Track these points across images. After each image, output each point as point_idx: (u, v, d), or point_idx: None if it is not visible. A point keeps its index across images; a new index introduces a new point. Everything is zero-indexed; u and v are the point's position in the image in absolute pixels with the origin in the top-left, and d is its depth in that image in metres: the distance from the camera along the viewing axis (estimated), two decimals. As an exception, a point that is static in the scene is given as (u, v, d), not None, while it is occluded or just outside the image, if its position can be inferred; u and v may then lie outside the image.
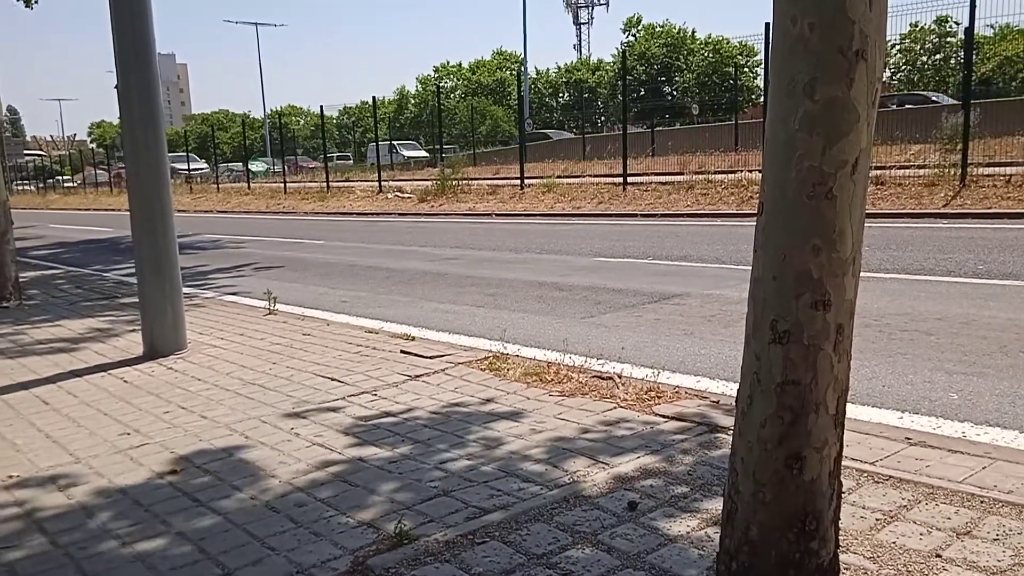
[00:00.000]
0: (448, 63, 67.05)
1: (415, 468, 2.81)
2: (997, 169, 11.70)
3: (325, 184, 25.18)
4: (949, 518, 2.23)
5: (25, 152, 66.05)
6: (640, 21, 60.86)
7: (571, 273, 7.78)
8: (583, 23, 77.52)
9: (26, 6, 12.32)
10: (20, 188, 55.99)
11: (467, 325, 5.58)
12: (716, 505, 2.35)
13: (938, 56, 41.03)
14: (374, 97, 26.48)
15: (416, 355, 4.47)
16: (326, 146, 29.55)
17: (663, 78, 56.42)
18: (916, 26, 39.29)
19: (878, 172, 12.52)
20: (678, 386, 3.67)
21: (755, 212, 1.79)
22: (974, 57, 13.30)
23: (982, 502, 2.31)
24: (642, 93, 50.80)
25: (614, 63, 57.62)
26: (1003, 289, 5.70)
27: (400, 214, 18.42)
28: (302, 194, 25.13)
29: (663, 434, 3.02)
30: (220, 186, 33.42)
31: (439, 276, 8.16)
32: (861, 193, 1.69)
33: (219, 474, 2.85)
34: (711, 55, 55.70)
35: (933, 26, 39.22)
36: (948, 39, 39.22)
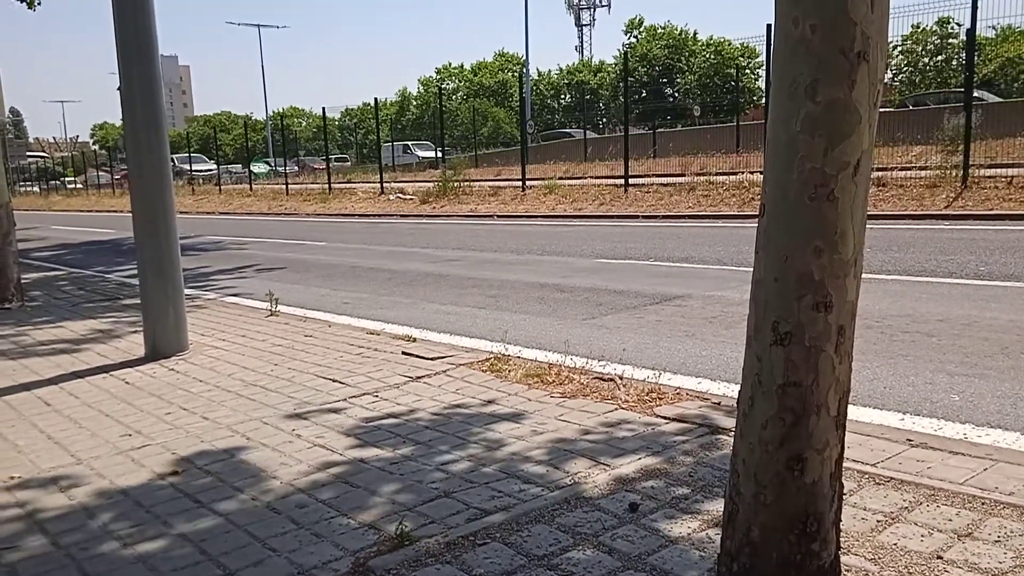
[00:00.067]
0: (450, 64, 67.12)
1: (416, 469, 2.81)
2: (999, 170, 11.69)
3: (327, 185, 25.20)
4: (950, 520, 2.23)
5: (28, 154, 66.09)
6: (642, 23, 60.88)
7: (572, 275, 7.79)
8: (585, 24, 77.57)
9: (28, 7, 12.33)
10: (24, 189, 56.03)
11: (468, 326, 5.58)
12: (717, 506, 2.35)
13: (940, 57, 41.00)
14: (376, 99, 26.50)
15: (417, 356, 4.47)
16: (328, 148, 29.57)
17: (665, 80, 56.40)
18: (918, 27, 39.28)
19: (880, 173, 12.52)
20: (679, 387, 3.67)
21: (756, 214, 1.79)
22: (976, 58, 13.29)
23: (983, 504, 2.31)
24: (644, 95, 50.83)
25: (616, 65, 57.62)
26: (1005, 291, 5.70)
27: (402, 215, 18.43)
28: (304, 195, 25.15)
29: (664, 435, 3.02)
30: (222, 187, 33.45)
31: (441, 277, 8.16)
32: (863, 195, 1.69)
33: (220, 475, 2.85)
34: (713, 57, 55.69)
35: (935, 27, 39.20)
36: (950, 40, 39.19)
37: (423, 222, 16.64)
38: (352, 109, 63.28)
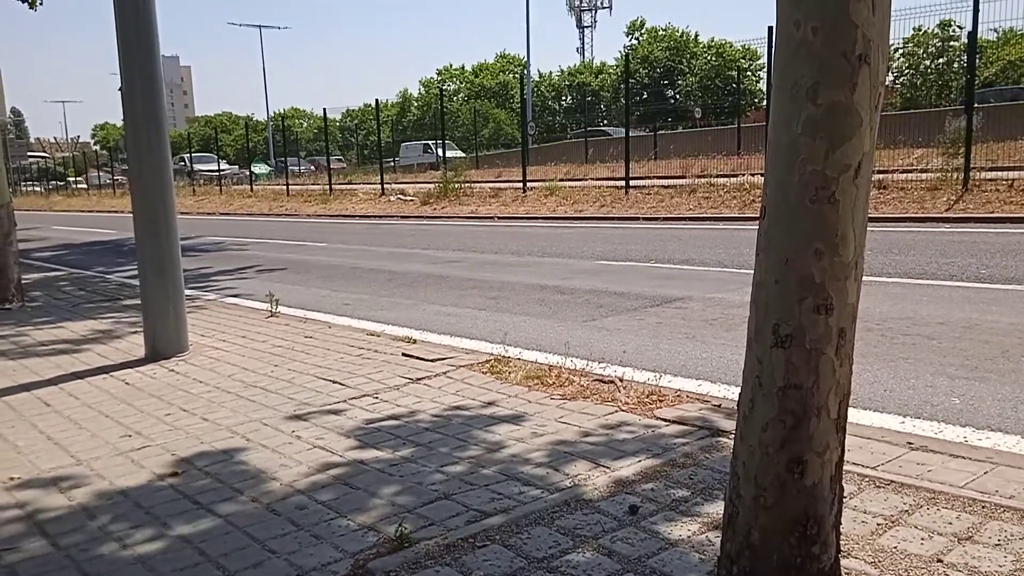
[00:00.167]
0: (451, 66, 67.15)
1: (416, 471, 2.80)
2: (1000, 173, 11.70)
3: (328, 187, 25.22)
4: (950, 523, 2.22)
5: (29, 154, 66.17)
6: (643, 24, 60.92)
7: (573, 276, 7.78)
8: (586, 26, 77.69)
9: (29, 7, 12.34)
10: (28, 189, 56.03)
11: (469, 328, 5.58)
12: (717, 509, 2.34)
13: (941, 60, 41.01)
14: (377, 100, 26.52)
15: (418, 358, 4.47)
16: (328, 149, 29.59)
17: (666, 81, 56.44)
18: (919, 30, 39.31)
19: (881, 176, 12.52)
20: (680, 390, 3.66)
21: (757, 216, 1.79)
22: (977, 61, 13.29)
23: (984, 507, 2.30)
24: (645, 96, 50.85)
25: (617, 66, 57.62)
26: (1005, 294, 5.70)
27: (402, 217, 18.44)
28: (304, 196, 25.18)
29: (664, 438, 3.02)
30: (223, 188, 33.47)
31: (441, 279, 8.16)
32: (864, 197, 1.69)
33: (220, 476, 2.85)
34: (714, 58, 55.72)
35: (936, 30, 39.22)
36: (951, 43, 39.21)
37: (424, 223, 16.64)
38: (353, 110, 63.33)
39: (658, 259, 8.65)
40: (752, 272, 1.79)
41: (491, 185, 20.19)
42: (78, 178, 50.98)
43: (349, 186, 25.86)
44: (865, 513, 2.31)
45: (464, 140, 45.43)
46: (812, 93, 1.62)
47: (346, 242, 13.23)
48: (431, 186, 20.76)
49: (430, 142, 38.35)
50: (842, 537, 1.92)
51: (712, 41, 56.87)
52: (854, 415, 2.99)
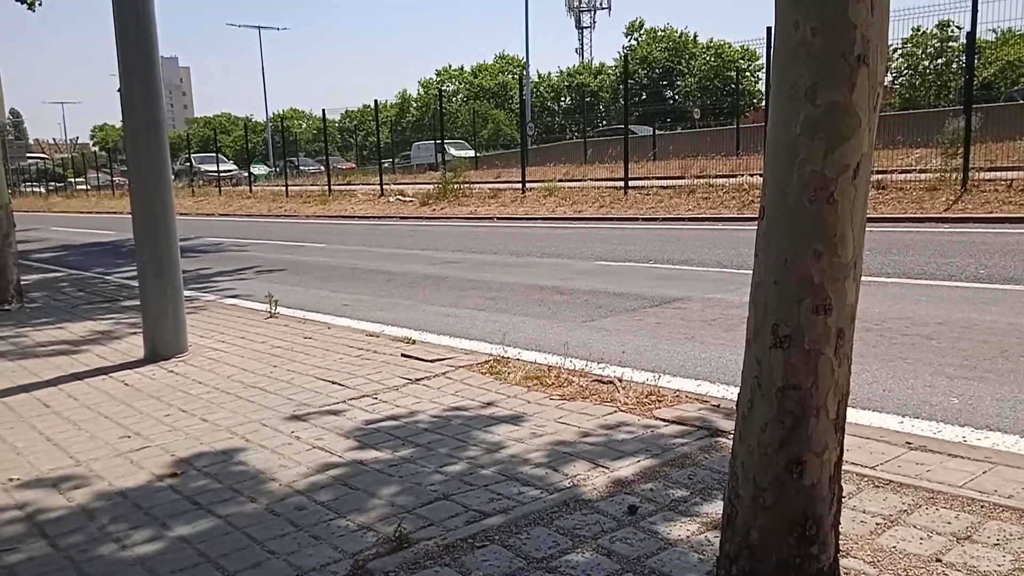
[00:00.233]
0: (450, 66, 67.10)
1: (415, 472, 2.80)
2: (999, 173, 11.71)
3: (327, 187, 25.21)
4: (949, 523, 2.23)
5: (27, 155, 66.15)
6: (642, 25, 60.91)
7: (572, 277, 7.79)
8: (585, 27, 77.61)
9: (28, 8, 12.34)
10: (29, 190, 55.94)
11: (468, 329, 5.58)
12: (716, 509, 2.35)
13: (940, 61, 41.02)
14: (376, 101, 26.52)
15: (417, 359, 4.47)
16: (328, 149, 29.57)
17: (665, 82, 56.45)
18: (918, 31, 39.31)
19: (879, 176, 12.52)
20: (679, 390, 3.67)
21: (756, 216, 1.79)
22: (976, 62, 13.30)
23: (982, 507, 2.31)
24: (644, 97, 50.84)
25: (616, 67, 57.62)
26: (1004, 294, 5.70)
27: (401, 218, 18.43)
28: (303, 197, 25.17)
29: (663, 438, 3.02)
30: (222, 189, 33.46)
31: (440, 280, 8.16)
32: (862, 197, 1.69)
33: (219, 477, 2.85)
34: (713, 59, 55.70)
35: (935, 31, 39.22)
36: (950, 44, 39.22)
37: (423, 224, 16.64)
38: (352, 111, 63.30)
39: (657, 259, 8.65)
40: (751, 272, 1.80)
41: (490, 186, 20.20)
42: (79, 179, 50.82)
43: (348, 187, 25.84)
44: (864, 513, 2.31)
45: (463, 140, 45.29)
46: (811, 94, 1.62)
47: (345, 243, 13.22)
48: (430, 187, 20.76)
49: (445, 142, 37.77)
50: (841, 537, 1.92)
51: (711, 42, 56.88)
52: (853, 415, 3.00)
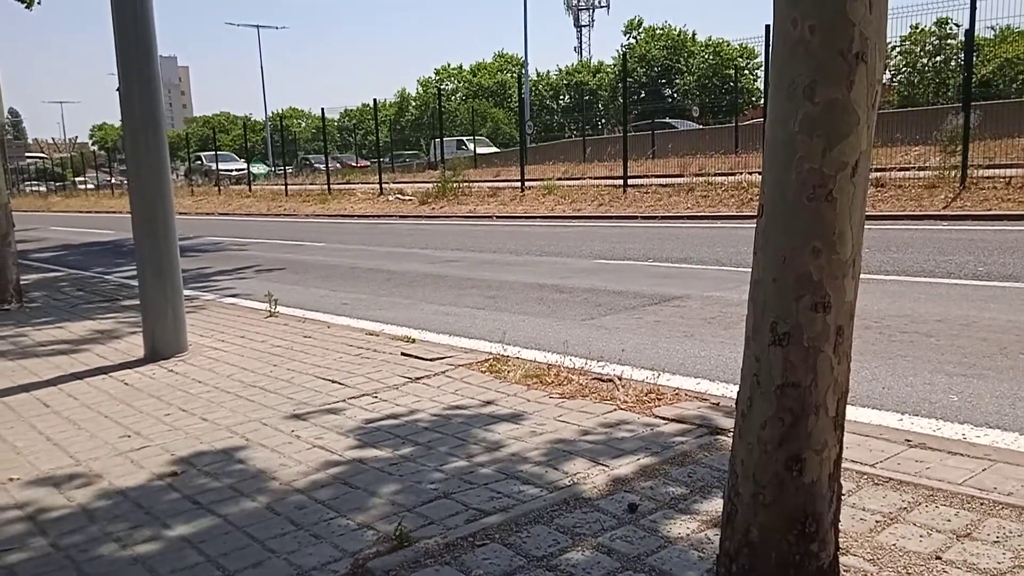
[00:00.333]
0: (449, 65, 67.09)
1: (415, 470, 2.81)
2: (997, 171, 11.71)
3: (326, 187, 25.20)
4: (949, 520, 2.23)
5: (27, 155, 66.14)
6: (641, 24, 60.91)
7: (571, 275, 7.79)
8: (584, 25, 77.49)
9: (26, 7, 12.31)
10: (31, 189, 55.82)
11: (468, 327, 5.58)
12: (716, 507, 2.35)
13: (938, 58, 41.02)
14: (375, 100, 26.51)
15: (417, 357, 4.47)
16: (327, 149, 29.56)
17: (663, 80, 56.44)
18: (916, 28, 39.29)
19: (878, 174, 12.53)
20: (678, 388, 3.67)
21: (755, 214, 1.79)
22: (974, 59, 13.31)
23: (982, 504, 2.31)
24: (643, 95, 50.80)
25: (615, 65, 57.62)
26: (1003, 291, 5.70)
27: (401, 216, 18.43)
28: (303, 196, 25.15)
29: (663, 436, 3.03)
30: (221, 188, 33.44)
31: (440, 278, 8.16)
32: (861, 195, 1.69)
33: (219, 476, 2.85)
34: (711, 57, 55.71)
35: (933, 28, 39.22)
36: (948, 41, 39.21)
37: (422, 223, 16.64)
38: (351, 110, 63.29)
39: (656, 258, 8.65)
40: (750, 270, 1.80)
41: (489, 184, 20.19)
42: (79, 178, 50.66)
43: (348, 186, 25.83)
44: (864, 510, 2.32)
45: (484, 137, 44.99)
46: (809, 91, 1.62)
47: (344, 242, 13.22)
48: (429, 186, 20.76)
49: (464, 138, 37.00)
50: (841, 534, 1.92)
51: (709, 40, 56.88)
52: (852, 413, 3.00)
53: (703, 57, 56.17)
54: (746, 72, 49.42)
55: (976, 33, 12.20)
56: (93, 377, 4.45)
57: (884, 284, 6.19)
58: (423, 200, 19.84)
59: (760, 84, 39.04)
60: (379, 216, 19.00)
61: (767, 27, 12.40)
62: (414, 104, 64.59)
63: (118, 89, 4.77)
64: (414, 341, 4.94)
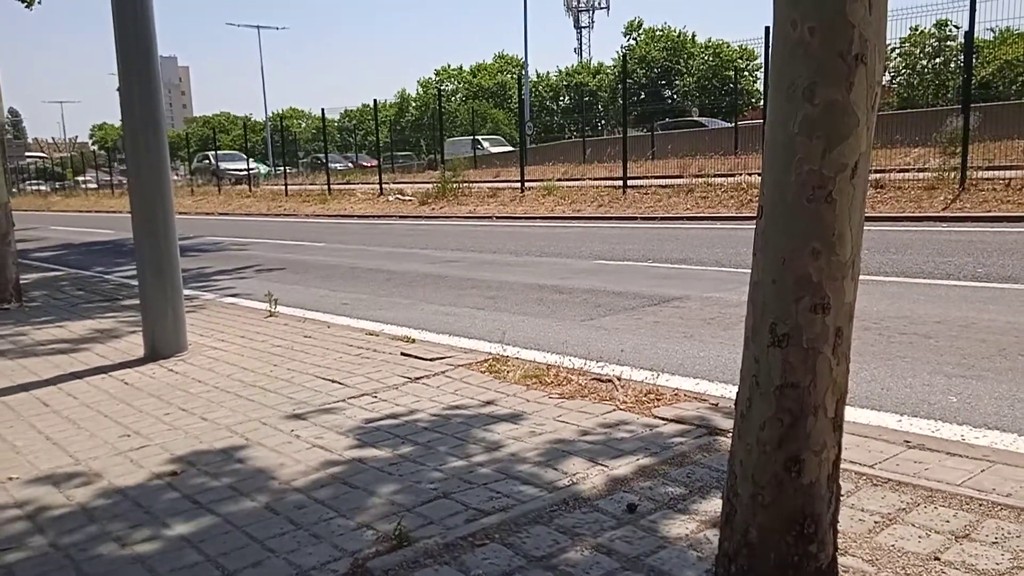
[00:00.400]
0: (449, 66, 67.11)
1: (415, 470, 2.81)
2: (997, 173, 11.72)
3: (326, 187, 25.20)
4: (948, 521, 2.23)
5: (27, 154, 66.07)
6: (640, 25, 60.93)
7: (571, 276, 7.79)
8: (584, 27, 77.57)
9: (27, 7, 12.32)
10: (33, 188, 55.76)
11: (467, 327, 5.58)
12: (715, 507, 2.35)
13: (938, 60, 41.02)
14: (375, 100, 26.51)
15: (416, 357, 4.47)
16: (327, 149, 29.55)
17: (663, 81, 56.42)
18: (916, 30, 39.30)
19: (877, 175, 12.53)
20: (677, 389, 3.67)
21: (754, 215, 1.79)
22: (974, 61, 13.33)
23: (981, 505, 2.31)
24: (642, 96, 50.81)
25: (615, 66, 57.62)
26: (1002, 292, 5.71)
27: (401, 217, 18.43)
28: (303, 196, 25.15)
29: (662, 436, 3.03)
30: (221, 188, 33.42)
31: (440, 278, 8.17)
32: (860, 196, 1.69)
33: (219, 476, 2.85)
34: (711, 59, 55.71)
35: (933, 30, 39.23)
36: (948, 43, 39.22)
37: (422, 223, 16.64)
38: (351, 111, 63.28)
39: (656, 259, 8.66)
40: (749, 271, 1.80)
41: (489, 185, 20.19)
42: (81, 177, 50.56)
43: (348, 186, 25.83)
44: (862, 511, 2.32)
45: (499, 136, 44.91)
46: (809, 93, 1.63)
47: (344, 242, 13.22)
48: (429, 186, 20.76)
49: (479, 137, 36.79)
50: (840, 535, 1.92)
51: (709, 41, 56.88)
52: (851, 413, 3.01)
53: (703, 58, 56.17)
54: (746, 73, 49.42)
55: (976, 35, 12.21)
56: (93, 376, 4.45)
57: (883, 285, 6.20)
58: (423, 200, 19.85)
59: (760, 85, 39.05)
60: (379, 216, 19.00)
61: (767, 28, 12.40)
62: (414, 105, 64.59)
63: (118, 89, 4.77)
64: (414, 341, 4.94)
